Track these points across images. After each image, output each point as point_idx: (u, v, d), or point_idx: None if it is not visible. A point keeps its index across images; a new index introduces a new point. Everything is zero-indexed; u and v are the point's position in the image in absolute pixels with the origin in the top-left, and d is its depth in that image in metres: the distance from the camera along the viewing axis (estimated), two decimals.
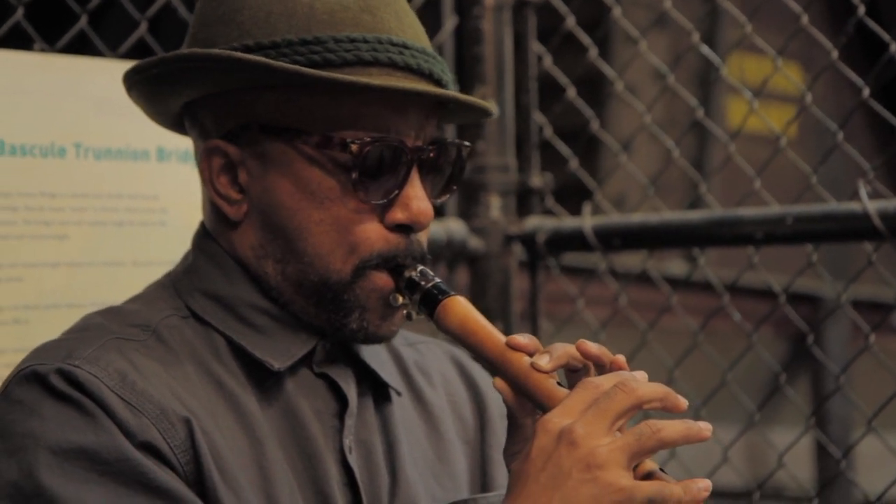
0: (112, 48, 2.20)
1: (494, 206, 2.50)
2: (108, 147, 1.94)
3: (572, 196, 2.72)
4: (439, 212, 2.56)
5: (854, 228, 2.15)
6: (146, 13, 2.27)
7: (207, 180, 1.49)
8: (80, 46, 2.14)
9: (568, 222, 2.49)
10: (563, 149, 2.63)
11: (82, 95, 1.92)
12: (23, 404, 1.38)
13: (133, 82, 1.51)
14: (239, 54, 1.42)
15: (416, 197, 1.46)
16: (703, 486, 1.28)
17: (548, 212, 2.58)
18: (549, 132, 2.62)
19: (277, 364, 1.46)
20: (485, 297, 2.48)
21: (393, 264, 1.46)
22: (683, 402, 1.32)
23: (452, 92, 1.48)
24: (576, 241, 2.46)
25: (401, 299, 1.46)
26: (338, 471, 1.46)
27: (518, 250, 2.52)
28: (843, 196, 2.18)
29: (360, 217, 1.45)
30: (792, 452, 2.43)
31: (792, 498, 4.13)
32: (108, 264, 1.92)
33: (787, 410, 4.02)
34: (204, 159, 1.49)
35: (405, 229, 1.46)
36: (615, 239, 2.42)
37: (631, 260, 3.25)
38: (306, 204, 1.45)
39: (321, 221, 1.44)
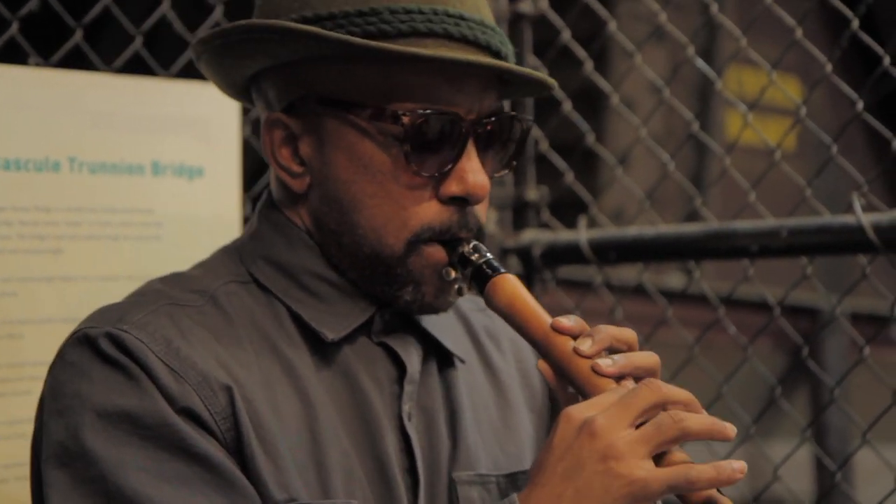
0: (107, 63, 2.21)
1: (491, 220, 2.50)
2: (102, 161, 1.94)
3: (569, 210, 2.72)
4: None
5: (848, 241, 2.15)
6: (141, 27, 2.27)
7: (269, 153, 1.51)
8: (75, 61, 2.15)
9: (564, 236, 2.49)
10: (560, 162, 2.63)
11: (77, 110, 1.92)
12: (74, 366, 1.41)
13: (199, 53, 1.52)
14: (292, 24, 1.43)
15: (472, 170, 1.45)
16: (739, 467, 1.28)
17: (544, 225, 2.58)
18: (545, 146, 2.63)
19: (332, 335, 1.47)
20: None
21: (448, 237, 1.46)
22: (703, 412, 1.31)
23: (506, 63, 1.46)
24: (572, 254, 2.46)
25: (453, 273, 1.46)
26: (395, 437, 1.47)
27: (514, 264, 2.52)
28: (843, 209, 2.18)
29: (413, 190, 1.45)
30: (792, 465, 2.43)
31: None
32: (102, 279, 1.92)
33: (786, 423, 4.02)
34: (266, 132, 1.50)
35: (460, 202, 1.46)
36: (611, 252, 2.42)
37: (628, 273, 3.25)
38: (360, 177, 1.45)
39: (374, 195, 1.45)
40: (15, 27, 2.10)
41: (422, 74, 1.43)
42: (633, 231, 2.44)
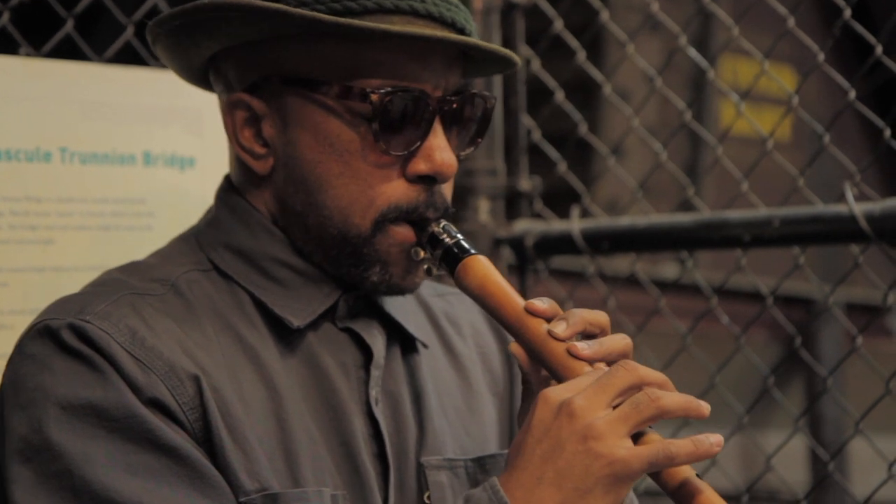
0: (98, 53, 2.20)
1: (483, 210, 2.50)
2: (93, 151, 1.94)
3: (562, 200, 2.72)
4: None
5: (840, 231, 2.15)
6: (133, 17, 2.27)
7: (231, 135, 1.48)
8: (67, 51, 2.14)
9: (556, 226, 2.49)
10: (553, 152, 2.63)
11: (68, 100, 1.92)
12: (35, 358, 1.38)
13: (156, 36, 1.49)
14: (256, 2, 1.40)
15: (439, 147, 1.44)
16: (716, 440, 1.28)
17: (537, 215, 2.58)
18: (537, 136, 2.63)
19: (297, 321, 1.46)
20: None
21: (415, 217, 1.45)
22: (675, 391, 1.31)
23: (473, 39, 1.45)
24: (564, 244, 2.46)
25: (422, 254, 1.45)
26: (363, 422, 1.46)
27: (507, 254, 2.52)
28: (835, 198, 2.18)
29: (380, 169, 1.44)
30: (786, 456, 2.43)
31: (785, 501, 4.13)
32: (94, 269, 1.91)
33: (780, 413, 4.02)
34: (227, 113, 1.48)
35: (428, 181, 1.45)
36: (604, 242, 2.42)
37: (621, 263, 3.25)
38: (326, 156, 1.43)
39: (341, 174, 1.43)
40: (6, 17, 2.09)
41: (389, 51, 1.42)
42: (625, 221, 2.44)
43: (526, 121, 2.59)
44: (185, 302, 1.45)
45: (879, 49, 2.20)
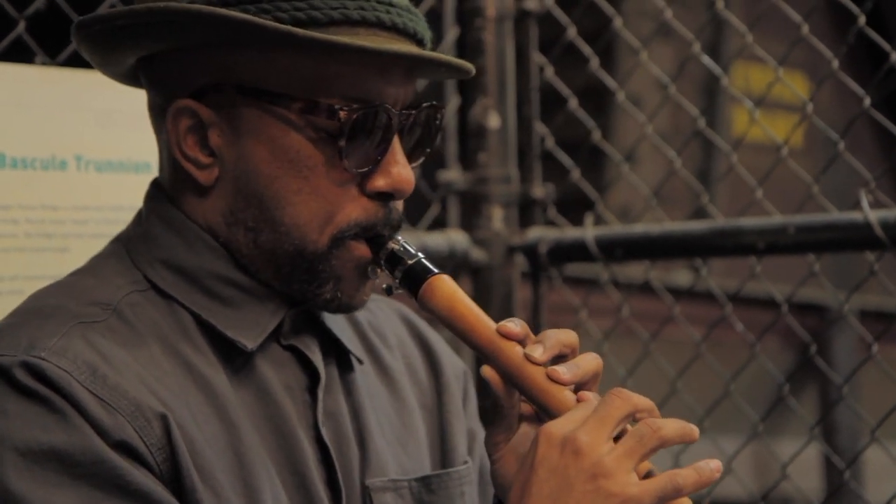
0: None
1: (497, 218, 2.50)
2: (109, 159, 1.94)
3: (575, 207, 2.72)
4: (441, 223, 2.57)
5: (856, 238, 2.15)
6: None
7: (174, 143, 1.39)
8: (82, 60, 2.14)
9: (570, 233, 2.49)
10: (566, 159, 2.63)
11: (83, 108, 1.93)
12: None
13: (89, 32, 1.40)
14: (223, 11, 1.32)
15: (398, 163, 1.39)
16: (715, 466, 1.27)
17: (550, 223, 2.58)
18: (551, 143, 2.63)
19: (250, 344, 1.39)
20: (488, 308, 2.47)
21: (372, 234, 1.40)
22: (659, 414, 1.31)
23: (444, 56, 1.41)
24: (578, 251, 2.46)
25: (379, 272, 1.41)
26: (312, 447, 1.41)
27: (520, 261, 2.51)
28: (850, 205, 2.18)
29: (340, 185, 1.37)
30: (801, 463, 2.42)
31: None
32: None
33: (795, 421, 4.01)
34: (170, 119, 1.39)
35: (385, 197, 1.40)
36: (617, 249, 2.42)
37: (635, 270, 3.25)
38: (284, 172, 1.37)
39: (300, 190, 1.37)
40: (22, 26, 2.10)
41: (354, 66, 1.36)
42: (639, 228, 2.43)
43: (539, 128, 2.59)
44: (132, 329, 1.36)
45: (894, 56, 2.20)
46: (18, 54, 2.05)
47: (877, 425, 2.25)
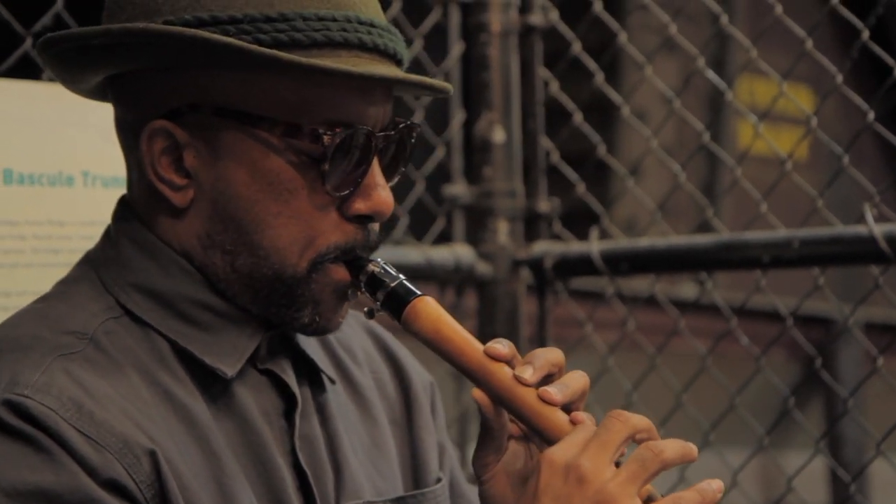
0: None
1: (502, 232, 2.51)
2: (115, 175, 1.94)
3: (580, 221, 2.72)
4: (447, 237, 2.58)
5: (860, 252, 2.15)
6: None
7: (148, 163, 1.35)
8: None
9: (575, 247, 2.49)
10: (571, 174, 2.64)
11: (90, 124, 1.93)
12: None
13: (58, 50, 1.35)
14: (205, 34, 1.29)
15: (379, 185, 1.36)
16: (717, 486, 1.26)
17: (555, 237, 2.58)
18: (556, 157, 2.63)
19: (229, 371, 1.36)
20: (493, 322, 2.48)
21: (351, 256, 1.36)
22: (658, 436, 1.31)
23: (427, 79, 1.39)
24: (583, 265, 2.46)
25: (359, 294, 1.38)
26: (291, 474, 1.38)
27: (526, 275, 2.52)
28: (854, 219, 2.18)
29: (320, 209, 1.35)
30: (807, 477, 2.42)
31: None
32: None
33: (800, 434, 4.01)
34: (144, 140, 1.35)
35: (364, 220, 1.37)
36: (623, 263, 2.42)
37: (640, 283, 3.25)
38: (264, 195, 1.33)
39: (279, 214, 1.34)
40: (28, 42, 2.11)
41: (337, 88, 1.33)
42: (644, 242, 2.44)
43: (544, 142, 2.60)
44: (109, 359, 1.32)
45: None
46: (25, 70, 2.06)
47: (882, 438, 2.25)
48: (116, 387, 1.31)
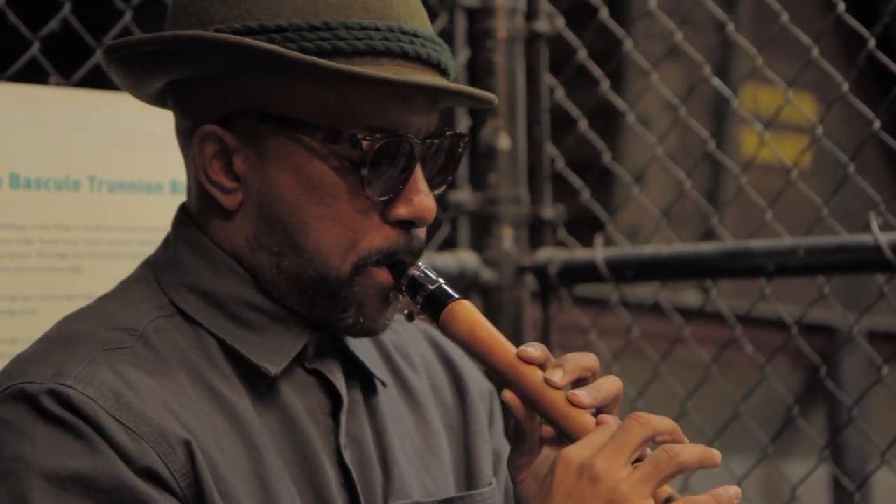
0: None
1: (507, 238, 2.51)
2: (122, 180, 1.95)
3: (585, 228, 2.72)
4: (452, 243, 2.58)
5: (865, 260, 2.15)
6: None
7: (200, 167, 1.41)
8: (96, 80, 2.16)
9: (580, 254, 2.49)
10: (576, 180, 2.64)
11: (97, 129, 1.94)
12: (12, 426, 1.31)
13: (118, 57, 1.42)
14: (248, 41, 1.35)
15: (421, 191, 1.40)
16: (734, 493, 1.27)
17: (560, 243, 2.58)
18: (561, 164, 2.63)
19: (274, 369, 1.40)
20: (497, 328, 2.47)
21: (393, 260, 1.41)
22: (686, 439, 1.31)
23: (466, 87, 1.43)
24: (588, 272, 2.46)
25: (401, 297, 1.42)
26: (335, 471, 1.42)
27: (530, 282, 2.52)
28: (859, 227, 2.18)
29: (363, 213, 1.39)
30: (810, 485, 2.42)
31: None
32: None
33: (803, 442, 4.01)
34: (196, 144, 1.41)
35: (407, 225, 1.41)
36: (627, 270, 2.42)
37: (644, 291, 3.25)
38: (307, 199, 1.39)
39: (322, 217, 1.39)
40: (36, 47, 2.11)
41: (378, 95, 1.37)
42: (649, 250, 2.44)
43: (549, 149, 2.60)
44: (157, 355, 1.38)
45: None
46: (32, 75, 2.07)
47: (886, 447, 2.25)
48: (160, 381, 1.36)
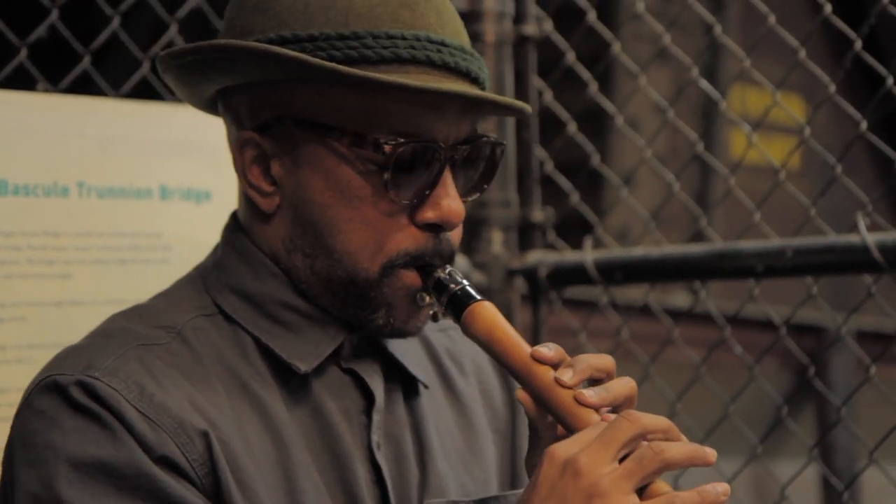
0: (115, 88, 2.22)
1: (496, 241, 2.51)
2: (110, 186, 1.95)
3: (574, 230, 2.73)
4: None
5: (853, 261, 2.16)
6: (148, 52, 2.29)
7: (240, 170, 1.49)
8: (84, 86, 2.16)
9: (569, 256, 2.50)
10: (565, 183, 2.64)
11: (85, 135, 1.94)
12: (44, 415, 1.39)
13: (167, 67, 1.50)
14: (275, 48, 1.41)
15: (448, 196, 1.44)
16: (722, 490, 1.28)
17: (549, 246, 2.59)
18: (550, 167, 2.64)
19: (304, 366, 1.46)
20: None
21: (421, 263, 1.45)
22: (683, 438, 1.32)
23: (489, 94, 1.46)
24: (577, 275, 2.47)
25: (428, 299, 1.46)
26: (366, 468, 1.46)
27: (520, 284, 2.52)
28: (847, 228, 2.19)
29: (389, 216, 1.44)
30: (799, 485, 2.43)
31: None
32: (111, 303, 1.93)
33: (792, 442, 4.02)
34: (237, 149, 1.49)
35: (435, 228, 1.45)
36: (617, 273, 2.43)
37: (633, 292, 3.26)
38: (336, 202, 1.44)
39: (351, 219, 1.44)
40: (23, 53, 2.11)
41: (403, 102, 1.42)
42: (638, 251, 2.45)
43: (538, 152, 2.60)
44: (192, 351, 1.45)
45: (891, 80, 2.22)
46: (20, 81, 2.06)
47: (875, 447, 2.26)
48: (188, 375, 1.43)
